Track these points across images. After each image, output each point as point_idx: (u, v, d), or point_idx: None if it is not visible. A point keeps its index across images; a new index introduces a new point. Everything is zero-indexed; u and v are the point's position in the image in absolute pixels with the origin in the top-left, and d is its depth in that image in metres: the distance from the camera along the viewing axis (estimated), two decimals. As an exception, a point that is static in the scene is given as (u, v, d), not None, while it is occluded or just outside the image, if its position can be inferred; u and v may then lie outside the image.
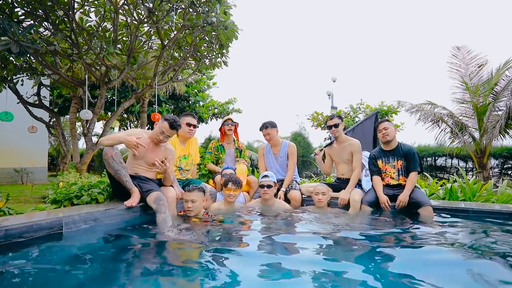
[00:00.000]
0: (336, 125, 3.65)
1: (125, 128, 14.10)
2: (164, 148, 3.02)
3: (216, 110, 13.31)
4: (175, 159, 3.23)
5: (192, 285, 1.48)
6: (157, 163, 2.81)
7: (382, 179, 3.38)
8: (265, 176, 3.46)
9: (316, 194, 3.39)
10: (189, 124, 3.47)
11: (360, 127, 4.24)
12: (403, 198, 3.11)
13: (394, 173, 3.32)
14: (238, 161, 4.13)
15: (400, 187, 3.27)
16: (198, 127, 3.66)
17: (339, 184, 3.71)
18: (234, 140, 4.36)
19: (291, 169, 3.87)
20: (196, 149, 3.81)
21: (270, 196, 3.38)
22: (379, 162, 3.40)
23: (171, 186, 3.06)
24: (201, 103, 12.81)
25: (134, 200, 2.72)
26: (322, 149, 3.89)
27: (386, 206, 3.13)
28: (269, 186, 3.35)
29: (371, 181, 3.46)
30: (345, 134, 4.10)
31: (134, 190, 2.77)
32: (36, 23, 4.77)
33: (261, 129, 3.92)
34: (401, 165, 3.30)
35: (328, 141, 3.89)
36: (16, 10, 4.62)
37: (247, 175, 3.93)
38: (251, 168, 4.26)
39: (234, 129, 4.26)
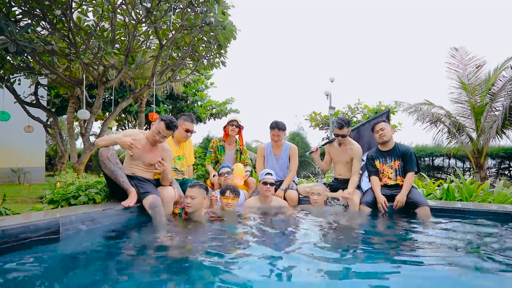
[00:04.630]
0: (343, 136, 3.58)
1: (123, 128, 14.08)
2: (161, 148, 3.01)
3: (214, 110, 13.31)
4: (172, 159, 3.23)
5: (191, 285, 1.48)
6: (156, 165, 2.81)
7: (380, 180, 3.39)
8: (268, 173, 3.48)
9: (311, 195, 3.41)
10: (188, 131, 3.49)
11: (368, 126, 4.15)
12: (400, 198, 3.12)
13: (391, 173, 3.33)
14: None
15: (398, 187, 3.28)
16: (195, 131, 3.66)
17: (337, 184, 3.72)
18: (236, 141, 4.26)
19: (293, 170, 3.88)
20: (191, 150, 3.82)
21: (271, 193, 3.44)
22: (377, 163, 3.41)
23: (170, 186, 3.06)
24: (199, 103, 12.81)
25: (131, 200, 2.72)
26: (318, 148, 3.86)
27: (383, 206, 3.14)
28: (272, 184, 3.40)
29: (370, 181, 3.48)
30: (352, 130, 4.08)
31: (131, 190, 2.77)
32: (33, 22, 4.75)
33: (272, 128, 3.85)
34: (398, 165, 3.31)
35: (326, 140, 3.87)
36: (13, 9, 4.60)
37: (248, 177, 3.92)
38: (250, 170, 4.21)
39: (238, 132, 4.18)
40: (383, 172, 3.38)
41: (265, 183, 3.39)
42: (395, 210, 3.14)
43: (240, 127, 4.15)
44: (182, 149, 3.61)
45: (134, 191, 2.79)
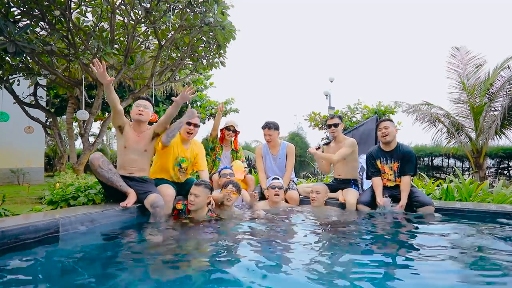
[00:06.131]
0: (335, 125, 3.64)
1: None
2: (150, 130, 3.04)
3: (213, 110, 13.29)
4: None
5: (190, 285, 1.48)
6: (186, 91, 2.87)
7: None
8: (275, 178, 3.48)
9: (311, 193, 3.40)
10: (189, 123, 3.18)
11: (359, 131, 4.18)
12: (403, 203, 3.11)
13: (391, 174, 3.31)
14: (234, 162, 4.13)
15: (398, 187, 3.26)
16: (199, 126, 3.30)
17: (336, 184, 3.72)
18: (231, 143, 4.34)
19: (288, 170, 3.88)
20: (199, 153, 3.40)
21: (280, 199, 3.39)
22: (377, 162, 3.38)
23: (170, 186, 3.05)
24: (198, 103, 12.79)
25: (129, 201, 2.71)
26: (319, 147, 3.86)
27: (383, 204, 3.13)
28: (280, 188, 3.37)
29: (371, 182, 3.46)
30: (345, 134, 4.09)
31: (130, 191, 2.77)
32: (32, 23, 4.75)
33: (263, 128, 3.91)
34: (397, 167, 3.28)
35: (326, 141, 3.87)
36: (12, 9, 4.59)
37: (247, 174, 3.95)
38: (248, 168, 4.24)
39: (234, 135, 4.25)
40: (383, 173, 3.36)
41: (273, 187, 3.36)
42: (394, 210, 3.13)
43: (236, 133, 4.21)
44: (188, 151, 3.31)
45: (133, 192, 2.79)
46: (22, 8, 4.62)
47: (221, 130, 4.23)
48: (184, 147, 3.29)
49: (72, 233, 2.22)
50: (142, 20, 5.16)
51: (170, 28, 5.32)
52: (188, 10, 5.06)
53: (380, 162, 3.36)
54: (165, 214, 2.79)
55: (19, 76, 6.03)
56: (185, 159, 3.28)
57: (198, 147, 3.42)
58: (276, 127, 3.89)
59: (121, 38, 5.75)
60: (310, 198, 3.43)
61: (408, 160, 3.22)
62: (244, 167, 3.98)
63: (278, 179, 3.49)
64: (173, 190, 3.04)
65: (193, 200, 2.73)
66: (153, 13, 4.89)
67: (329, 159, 3.59)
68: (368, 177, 3.47)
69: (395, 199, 3.19)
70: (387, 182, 3.33)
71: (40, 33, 5.23)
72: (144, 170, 3.03)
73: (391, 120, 3.39)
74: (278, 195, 3.35)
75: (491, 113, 8.19)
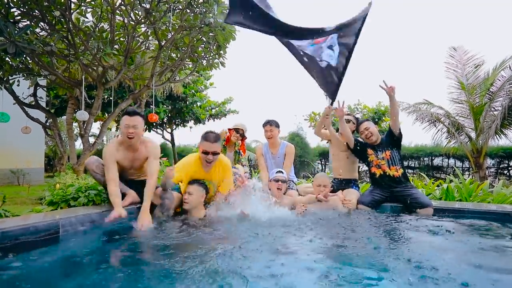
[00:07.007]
0: (348, 121, 3.69)
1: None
2: (144, 148, 2.80)
3: (213, 111, 13.31)
4: (159, 156, 2.91)
5: (190, 286, 1.48)
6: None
7: (374, 174, 3.39)
8: (279, 171, 3.46)
9: (318, 186, 3.26)
10: (206, 152, 2.77)
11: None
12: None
13: (384, 164, 3.34)
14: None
15: (394, 181, 3.27)
16: (219, 153, 2.87)
17: (336, 185, 3.71)
18: (236, 144, 4.30)
19: (286, 169, 3.84)
20: (225, 175, 3.05)
21: (282, 192, 3.36)
22: (369, 151, 3.41)
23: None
24: (198, 104, 12.79)
25: (126, 200, 2.72)
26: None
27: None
28: (283, 181, 3.35)
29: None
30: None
31: (129, 192, 2.77)
32: (32, 23, 4.75)
33: (264, 125, 3.97)
34: (389, 155, 3.32)
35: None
36: (12, 10, 4.60)
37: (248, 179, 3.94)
38: (249, 172, 4.25)
39: (241, 140, 4.25)
40: (374, 166, 3.39)
41: (276, 180, 3.33)
42: (395, 211, 3.14)
43: (243, 138, 4.24)
44: (210, 173, 2.97)
45: (133, 193, 2.79)
46: (22, 9, 4.62)
47: (229, 130, 4.21)
48: (204, 170, 2.92)
49: (72, 234, 2.22)
50: (142, 20, 5.17)
51: (170, 28, 5.32)
52: (188, 11, 5.07)
53: (372, 153, 3.41)
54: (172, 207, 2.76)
55: (19, 77, 6.04)
56: (205, 180, 2.98)
57: (223, 166, 2.99)
58: (277, 124, 3.97)
59: (121, 39, 5.75)
60: (316, 192, 3.27)
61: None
62: (245, 172, 3.97)
63: (282, 172, 3.48)
64: (180, 198, 3.00)
65: (187, 198, 2.74)
66: (153, 13, 4.89)
67: (331, 131, 3.65)
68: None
69: (392, 195, 3.26)
70: (376, 170, 3.36)
71: (40, 33, 5.23)
72: (144, 176, 3.01)
73: (368, 120, 3.48)
74: (280, 188, 3.32)
75: (491, 112, 8.19)
